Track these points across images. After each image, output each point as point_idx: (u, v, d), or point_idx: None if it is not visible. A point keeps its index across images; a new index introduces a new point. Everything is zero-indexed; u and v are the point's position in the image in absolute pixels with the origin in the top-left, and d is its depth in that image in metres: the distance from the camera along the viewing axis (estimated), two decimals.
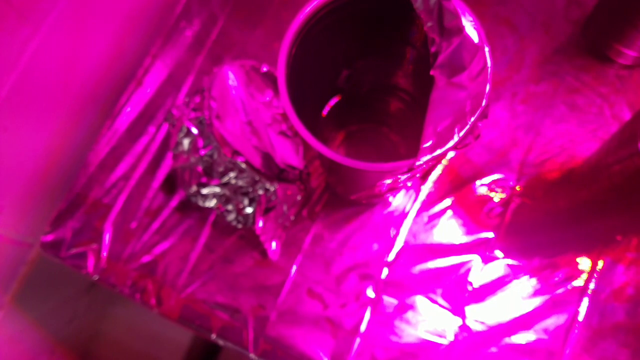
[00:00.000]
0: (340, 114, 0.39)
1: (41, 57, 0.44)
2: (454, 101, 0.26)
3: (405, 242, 0.43)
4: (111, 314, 0.73)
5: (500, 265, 0.42)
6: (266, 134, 0.40)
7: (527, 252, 0.42)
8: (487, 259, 0.42)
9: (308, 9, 0.28)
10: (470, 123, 0.25)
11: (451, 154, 0.43)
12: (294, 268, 0.42)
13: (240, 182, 0.39)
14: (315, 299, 0.42)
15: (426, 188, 0.43)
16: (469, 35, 0.26)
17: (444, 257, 0.42)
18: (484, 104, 0.26)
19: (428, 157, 0.25)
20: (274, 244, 0.42)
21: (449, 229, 0.43)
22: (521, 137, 0.44)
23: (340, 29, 0.31)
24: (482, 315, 0.41)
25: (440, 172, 0.44)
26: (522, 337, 0.40)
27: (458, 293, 0.41)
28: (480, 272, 0.42)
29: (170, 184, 0.45)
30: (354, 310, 0.41)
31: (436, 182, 0.44)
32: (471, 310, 0.41)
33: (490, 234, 0.42)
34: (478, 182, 0.43)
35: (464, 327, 0.40)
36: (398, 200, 0.43)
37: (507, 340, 0.40)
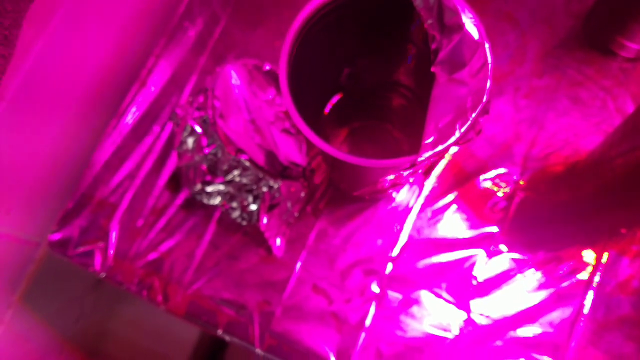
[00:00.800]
0: (343, 111, 0.39)
1: (46, 58, 0.44)
2: (455, 97, 0.26)
3: (410, 237, 0.43)
4: (118, 311, 0.74)
5: (504, 259, 0.42)
6: (269, 131, 0.40)
7: (531, 245, 0.42)
8: (492, 253, 0.42)
9: (309, 8, 0.28)
10: (471, 119, 0.26)
11: (454, 150, 0.43)
12: (299, 264, 0.43)
13: (244, 180, 0.40)
14: (320, 295, 0.42)
15: (430, 183, 0.44)
16: (469, 32, 0.26)
17: (449, 251, 0.42)
18: (484, 99, 0.26)
19: (430, 153, 0.26)
20: (278, 241, 0.43)
21: (453, 224, 0.43)
22: (524, 132, 0.44)
23: (341, 27, 0.31)
24: (487, 309, 0.41)
25: (443, 167, 0.44)
26: (527, 331, 0.40)
27: (463, 287, 0.41)
28: (484, 266, 0.42)
29: (175, 183, 0.45)
30: (358, 305, 0.42)
31: (440, 177, 0.44)
32: (476, 304, 0.41)
33: (494, 228, 0.42)
34: (482, 177, 0.43)
35: (469, 321, 0.41)
36: (402, 196, 0.44)
37: (512, 333, 0.40)
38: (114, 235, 0.44)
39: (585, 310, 0.40)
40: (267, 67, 0.41)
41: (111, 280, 0.44)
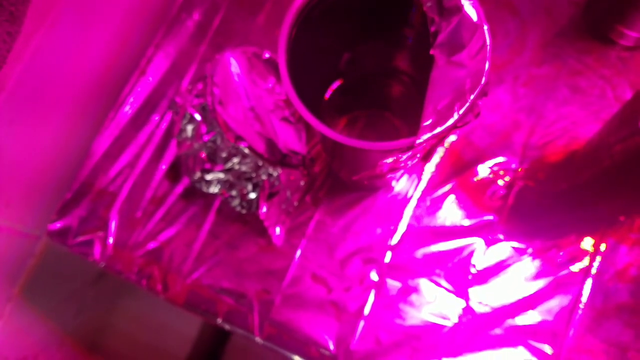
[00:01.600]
0: (342, 99, 0.39)
1: (45, 50, 0.44)
2: (454, 80, 0.26)
3: (409, 226, 0.43)
4: (118, 306, 0.74)
5: (503, 248, 0.42)
6: (269, 120, 0.40)
7: (530, 234, 0.42)
8: (490, 241, 0.42)
9: None
10: (470, 101, 0.26)
11: (452, 138, 0.43)
12: (298, 253, 0.43)
13: (244, 168, 0.40)
14: (320, 283, 0.42)
15: (428, 172, 0.44)
16: (467, 14, 0.26)
17: (447, 240, 0.42)
18: (483, 81, 0.26)
19: (428, 135, 0.26)
20: (277, 230, 0.43)
21: (451, 213, 0.43)
22: (523, 120, 0.44)
23: (340, 12, 0.31)
24: (485, 297, 0.41)
25: (442, 155, 0.44)
26: (526, 319, 0.40)
27: (461, 275, 0.41)
28: (483, 255, 0.42)
29: (175, 172, 0.45)
30: (358, 293, 0.42)
31: (439, 166, 0.44)
32: (474, 292, 0.41)
33: (493, 217, 0.42)
34: (480, 166, 0.44)
35: (467, 309, 0.41)
36: (401, 185, 0.44)
37: (510, 321, 0.40)
38: (113, 225, 0.44)
39: (584, 299, 0.40)
40: (267, 55, 0.41)
41: (111, 269, 0.44)
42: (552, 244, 0.42)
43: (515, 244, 0.42)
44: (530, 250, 0.42)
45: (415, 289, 0.41)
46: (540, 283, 0.41)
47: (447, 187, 0.43)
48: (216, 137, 0.39)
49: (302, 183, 0.42)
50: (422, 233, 0.43)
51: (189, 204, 0.45)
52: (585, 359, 0.39)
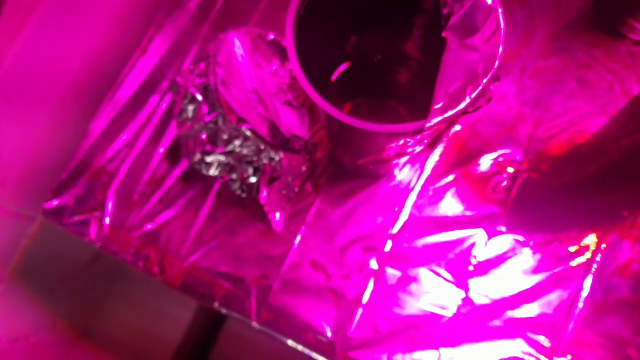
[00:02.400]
0: (348, 84, 0.38)
1: (45, 28, 0.43)
2: (466, 63, 0.26)
3: (410, 215, 0.42)
4: (112, 290, 0.74)
5: (504, 240, 0.42)
6: (272, 103, 0.39)
7: (532, 227, 0.42)
8: (492, 233, 0.42)
9: None
10: (482, 85, 0.25)
11: (457, 128, 0.42)
12: (298, 239, 0.42)
13: (245, 151, 0.39)
14: (319, 270, 0.42)
15: (432, 161, 0.43)
16: None
17: (449, 230, 0.42)
18: (496, 65, 0.25)
19: (439, 118, 0.25)
20: (277, 215, 0.42)
21: (454, 203, 0.42)
22: (529, 112, 0.44)
23: None
24: (485, 289, 0.41)
25: (446, 145, 0.43)
26: (525, 311, 0.40)
27: (462, 266, 0.41)
28: (484, 246, 0.41)
29: (174, 153, 0.44)
30: (356, 281, 0.41)
31: (442, 156, 0.43)
32: (474, 283, 0.41)
33: (495, 209, 0.42)
34: (484, 157, 0.43)
35: (467, 300, 0.40)
36: (403, 174, 0.43)
37: (510, 313, 0.40)
38: (110, 205, 0.44)
39: (584, 293, 0.40)
40: (271, 37, 0.40)
41: (106, 250, 0.43)
42: (554, 237, 0.41)
43: (517, 237, 0.41)
44: (531, 243, 0.41)
45: (415, 279, 0.41)
46: (541, 276, 0.41)
47: (450, 178, 0.43)
48: (218, 118, 0.38)
49: (303, 168, 0.42)
50: (424, 223, 0.42)
51: (188, 186, 0.44)
52: (584, 353, 0.39)
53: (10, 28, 0.43)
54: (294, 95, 0.41)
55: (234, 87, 0.38)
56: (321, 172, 0.44)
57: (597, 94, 0.43)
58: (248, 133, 0.38)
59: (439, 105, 0.25)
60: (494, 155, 0.43)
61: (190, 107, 0.39)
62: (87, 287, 0.67)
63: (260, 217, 0.43)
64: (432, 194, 0.43)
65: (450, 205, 0.42)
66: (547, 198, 0.42)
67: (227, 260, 0.42)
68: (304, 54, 0.28)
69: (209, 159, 0.40)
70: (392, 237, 0.42)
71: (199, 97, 0.39)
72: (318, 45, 0.31)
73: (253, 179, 0.40)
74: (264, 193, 0.40)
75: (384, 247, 0.42)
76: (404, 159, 0.42)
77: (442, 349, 0.40)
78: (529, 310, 0.40)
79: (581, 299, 0.40)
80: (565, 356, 0.39)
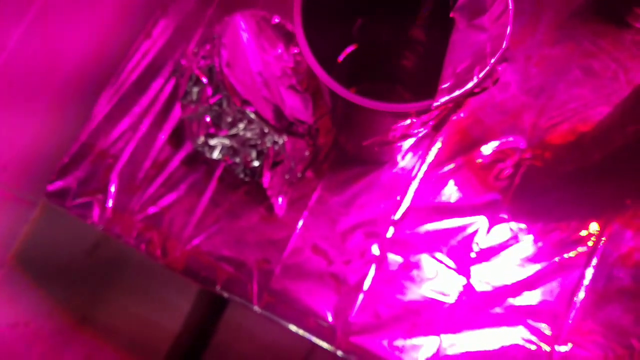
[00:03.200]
0: (354, 67, 0.38)
1: (48, 13, 0.43)
2: (474, 43, 0.26)
3: (412, 202, 0.42)
4: (113, 278, 0.73)
5: (507, 228, 0.42)
6: (276, 86, 0.39)
7: (535, 215, 0.42)
8: (494, 220, 0.42)
9: None
10: (490, 65, 0.25)
11: (461, 115, 0.42)
12: (300, 224, 0.42)
13: (249, 134, 0.39)
14: (320, 255, 0.42)
15: (435, 149, 0.43)
16: None
17: (451, 217, 0.42)
18: (504, 45, 0.25)
19: (446, 98, 0.25)
20: (280, 200, 0.42)
21: (456, 190, 0.42)
22: (533, 100, 0.43)
23: None
24: (487, 276, 0.41)
25: (449, 133, 0.43)
26: (527, 299, 0.40)
27: (464, 253, 0.41)
28: (486, 234, 0.41)
29: (178, 137, 0.44)
30: (358, 267, 0.41)
31: (445, 143, 0.43)
32: (476, 270, 0.41)
33: (498, 196, 0.42)
34: (488, 145, 0.43)
35: (468, 287, 0.40)
36: (406, 160, 0.43)
37: (511, 301, 0.40)
38: (113, 188, 0.44)
39: (586, 281, 0.40)
40: (276, 20, 0.40)
41: (109, 232, 0.43)
42: (556, 225, 0.41)
43: (519, 224, 0.41)
44: (534, 231, 0.41)
45: (417, 265, 0.41)
46: (543, 264, 0.41)
47: (453, 165, 0.43)
48: (222, 101, 0.38)
49: (306, 153, 0.42)
50: (426, 209, 0.42)
51: (191, 170, 0.44)
52: (585, 342, 0.39)
53: (12, 13, 0.43)
54: (298, 79, 0.41)
55: (239, 69, 0.38)
56: (324, 157, 0.44)
57: (602, 83, 0.43)
58: (252, 116, 0.38)
59: (446, 85, 0.25)
60: (497, 143, 0.43)
61: (195, 89, 0.39)
62: (87, 274, 0.67)
63: (262, 202, 0.43)
64: (435, 181, 0.43)
65: (453, 193, 0.42)
66: (550, 186, 0.42)
67: (229, 244, 0.42)
68: (310, 34, 0.28)
69: (212, 141, 0.40)
70: (394, 223, 0.42)
71: (204, 79, 0.39)
72: (325, 27, 0.31)
73: (256, 163, 0.40)
74: (267, 177, 0.40)
75: (386, 233, 0.42)
76: (406, 145, 0.42)
77: (443, 336, 0.40)
78: (531, 298, 0.40)
79: (583, 288, 0.40)
80: (566, 344, 0.39)
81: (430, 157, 0.43)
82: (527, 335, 0.39)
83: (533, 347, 0.39)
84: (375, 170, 0.43)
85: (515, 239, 0.41)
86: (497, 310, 0.40)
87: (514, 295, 0.40)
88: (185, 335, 0.73)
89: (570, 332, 0.39)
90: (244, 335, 0.75)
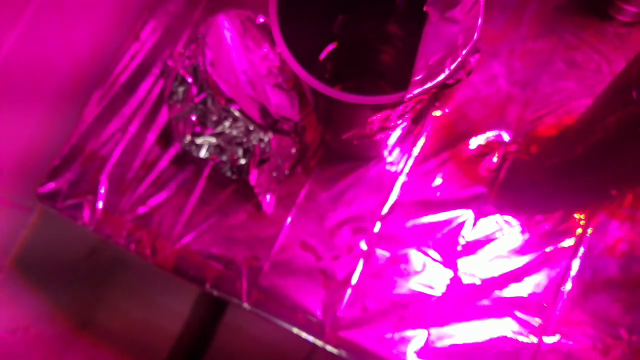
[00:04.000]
0: (336, 64, 0.39)
1: (40, 17, 0.44)
2: (447, 35, 0.26)
3: (399, 197, 0.43)
4: (111, 281, 0.74)
5: (493, 220, 0.42)
6: (261, 85, 0.40)
7: (521, 207, 0.42)
8: (481, 213, 0.42)
9: None
10: (461, 56, 0.25)
11: (446, 110, 0.43)
12: (288, 220, 0.43)
13: (235, 132, 0.39)
14: (308, 251, 0.42)
15: (421, 143, 0.43)
16: None
17: (438, 211, 0.42)
18: (475, 37, 0.25)
19: (419, 90, 0.25)
20: (268, 197, 0.43)
21: (442, 184, 0.43)
22: (518, 94, 0.44)
23: None
24: (474, 269, 0.41)
25: (435, 127, 0.43)
26: (514, 291, 0.40)
27: (450, 246, 0.41)
28: (472, 227, 0.42)
29: (166, 137, 0.45)
30: (346, 262, 0.42)
31: (431, 138, 0.43)
32: (463, 263, 0.41)
33: (484, 190, 0.42)
34: (474, 138, 0.43)
35: (455, 280, 0.41)
36: (393, 156, 0.43)
37: (498, 293, 0.40)
38: (103, 189, 0.44)
39: (573, 272, 0.40)
40: (261, 20, 0.41)
41: (99, 233, 0.43)
42: (542, 217, 0.42)
43: (506, 217, 0.42)
44: (520, 223, 0.41)
45: (404, 259, 0.41)
46: (530, 256, 0.41)
47: (439, 159, 0.43)
48: (207, 99, 0.38)
49: (293, 150, 0.42)
50: (413, 204, 0.42)
51: (180, 170, 0.44)
52: (573, 332, 0.39)
53: (6, 18, 0.44)
54: (284, 78, 0.42)
55: (223, 68, 0.38)
56: (312, 154, 0.44)
57: (585, 75, 0.43)
58: (237, 114, 0.38)
59: (418, 77, 0.25)
60: (482, 136, 0.43)
61: (181, 89, 0.40)
62: (86, 278, 0.67)
63: (250, 200, 0.43)
64: (421, 176, 0.43)
65: (439, 187, 0.43)
66: (536, 179, 0.42)
67: (218, 242, 0.43)
68: (291, 32, 0.28)
69: (199, 140, 0.40)
70: (382, 218, 0.42)
71: (189, 79, 0.39)
72: (305, 26, 0.31)
73: (243, 161, 0.40)
74: (254, 175, 0.40)
75: (373, 228, 0.42)
76: (393, 141, 0.43)
77: (431, 329, 0.40)
78: (518, 289, 0.40)
79: (570, 279, 0.40)
80: (554, 335, 0.39)
81: (416, 152, 0.43)
82: (515, 326, 0.40)
83: (521, 339, 0.39)
84: (362, 166, 0.44)
85: (501, 231, 0.41)
86: (485, 302, 0.40)
87: (501, 288, 0.40)
88: (186, 338, 0.74)
89: (558, 323, 0.40)
90: (245, 338, 0.76)
